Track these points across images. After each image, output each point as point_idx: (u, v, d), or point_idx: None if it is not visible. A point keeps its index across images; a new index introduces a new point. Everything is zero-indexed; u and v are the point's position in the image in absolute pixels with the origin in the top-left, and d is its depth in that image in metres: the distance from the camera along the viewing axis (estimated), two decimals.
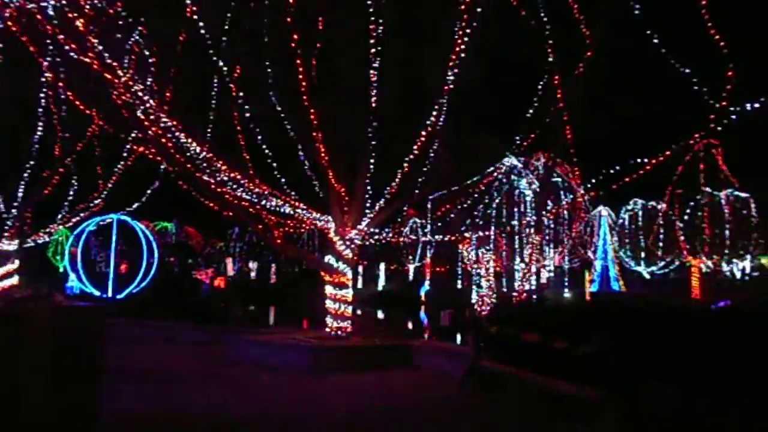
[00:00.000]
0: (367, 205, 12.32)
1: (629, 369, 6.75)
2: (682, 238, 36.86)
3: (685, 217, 36.67)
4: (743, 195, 36.59)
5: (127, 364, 10.43)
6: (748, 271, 53.30)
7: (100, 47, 10.06)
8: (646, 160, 12.57)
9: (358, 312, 13.85)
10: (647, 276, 46.51)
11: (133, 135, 13.51)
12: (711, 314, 14.20)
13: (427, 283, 39.84)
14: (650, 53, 10.79)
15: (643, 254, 44.23)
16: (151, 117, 10.40)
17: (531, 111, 12.15)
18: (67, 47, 10.35)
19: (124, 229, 20.08)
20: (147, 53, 11.26)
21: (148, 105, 10.25)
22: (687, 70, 10.56)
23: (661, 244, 39.43)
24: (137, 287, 19.33)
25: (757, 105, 10.87)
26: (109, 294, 18.80)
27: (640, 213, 43.20)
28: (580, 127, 12.82)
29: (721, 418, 6.49)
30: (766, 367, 7.42)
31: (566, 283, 43.70)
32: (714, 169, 35.75)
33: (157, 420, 7.20)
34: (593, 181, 13.62)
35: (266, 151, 11.47)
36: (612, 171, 12.66)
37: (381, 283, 45.42)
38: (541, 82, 12.12)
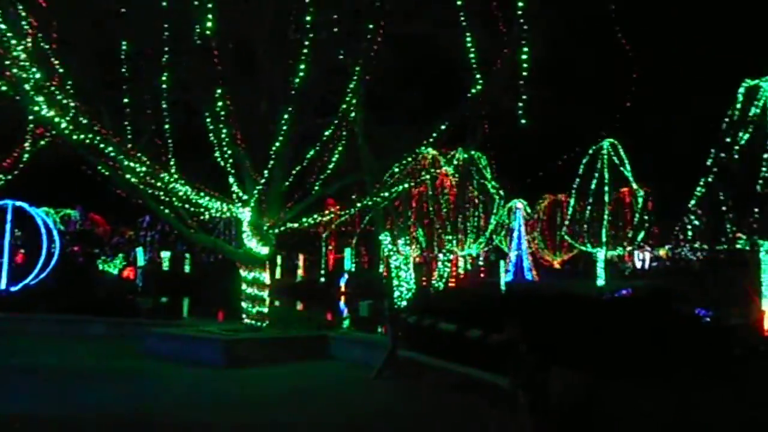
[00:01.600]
0: (285, 193, 12.09)
1: (538, 357, 6.99)
2: (588, 230, 38.91)
3: (592, 211, 38.72)
4: (643, 191, 39.10)
5: (23, 362, 9.75)
6: (647, 261, 57.19)
7: None
8: (557, 157, 13.15)
9: (276, 303, 13.61)
10: (557, 266, 48.84)
11: (31, 116, 12.52)
12: (613, 302, 15.05)
13: (346, 273, 39.86)
14: (563, 58, 11.28)
15: (553, 245, 46.43)
16: (51, 97, 9.65)
17: (451, 104, 12.33)
18: None
19: (20, 215, 18.66)
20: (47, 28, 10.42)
21: (47, 84, 9.50)
22: (593, 75, 11.10)
23: (569, 235, 41.42)
24: (35, 279, 18.07)
25: (656, 107, 11.62)
26: (2, 286, 17.44)
27: (552, 206, 45.30)
28: (498, 123, 13.17)
29: (624, 403, 6.86)
30: (663, 355, 7.93)
31: (482, 273, 45.10)
32: (617, 166, 38.01)
33: (53, 422, 6.73)
34: (509, 174, 14.08)
35: (178, 136, 10.98)
36: (527, 166, 13.13)
37: (299, 273, 44.98)
38: (462, 76, 12.32)
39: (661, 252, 57.85)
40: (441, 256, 28.08)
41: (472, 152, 27.33)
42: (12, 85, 9.40)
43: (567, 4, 11.11)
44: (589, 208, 37.79)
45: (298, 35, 10.54)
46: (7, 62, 8.96)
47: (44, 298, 15.52)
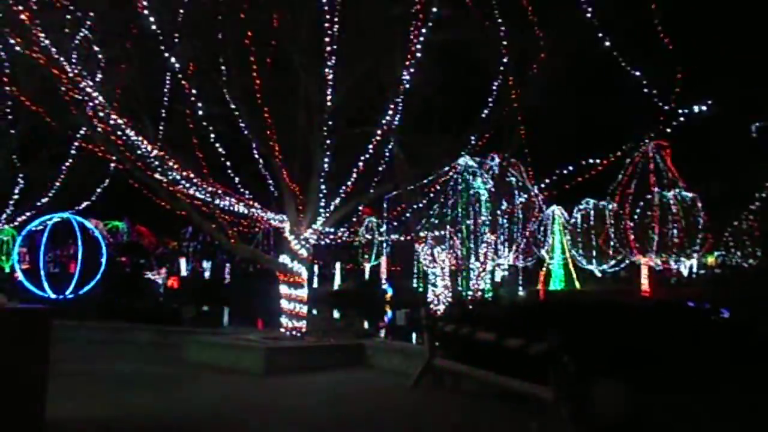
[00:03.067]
0: (322, 203, 12.24)
1: (581, 368, 6.87)
2: (632, 236, 37.97)
3: (635, 217, 37.79)
4: (690, 195, 37.93)
5: (75, 367, 10.08)
6: (695, 269, 55.34)
7: (47, 41, 9.68)
8: (597, 161, 12.90)
9: (314, 312, 13.76)
10: (598, 274, 47.77)
11: (81, 132, 13.08)
12: (660, 311, 14.61)
13: (387, 282, 40.10)
14: (603, 57, 11.08)
15: (594, 253, 45.40)
16: (100, 114, 10.06)
17: (485, 111, 12.28)
18: (12, 41, 9.94)
19: (73, 228, 19.40)
20: (96, 48, 10.89)
21: (96, 102, 9.90)
22: (637, 73, 10.87)
23: (611, 242, 40.49)
24: (86, 288, 18.73)
25: (704, 107, 11.26)
26: (56, 295, 18.15)
27: (592, 212, 44.32)
28: (533, 128, 13.04)
29: (670, 414, 6.68)
30: (710, 365, 7.68)
31: (520, 282, 44.50)
32: (663, 169, 37.03)
33: (104, 425, 6.97)
34: (546, 180, 13.90)
35: (219, 149, 11.24)
36: (565, 171, 12.94)
37: (337, 282, 45.30)
38: (496, 83, 12.27)
39: (710, 259, 55.93)
40: (477, 264, 27.89)
41: (509, 159, 27.09)
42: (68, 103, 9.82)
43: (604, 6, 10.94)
44: (632, 213, 36.90)
45: (334, 47, 10.68)
46: (69, 86, 9.35)
47: (94, 307, 16.06)
